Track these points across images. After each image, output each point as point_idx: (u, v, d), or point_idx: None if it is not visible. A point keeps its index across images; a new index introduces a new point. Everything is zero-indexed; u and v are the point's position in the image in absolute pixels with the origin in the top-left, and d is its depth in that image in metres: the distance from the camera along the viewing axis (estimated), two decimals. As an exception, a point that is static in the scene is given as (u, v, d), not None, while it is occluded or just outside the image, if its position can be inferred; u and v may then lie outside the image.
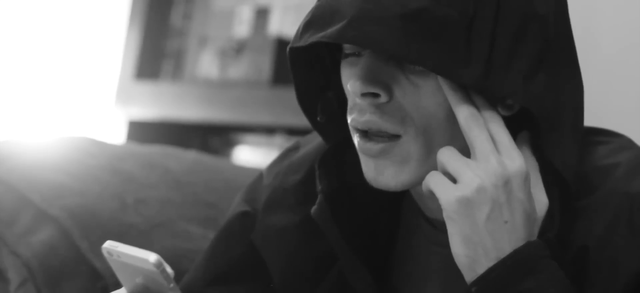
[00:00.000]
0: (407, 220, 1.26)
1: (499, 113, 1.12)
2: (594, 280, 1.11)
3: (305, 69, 1.22)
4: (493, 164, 1.08)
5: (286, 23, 2.71)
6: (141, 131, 2.89)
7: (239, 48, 2.74)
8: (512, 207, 1.08)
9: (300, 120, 1.27)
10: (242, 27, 2.81)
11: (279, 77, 2.62)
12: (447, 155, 1.10)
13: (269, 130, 2.74)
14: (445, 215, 1.08)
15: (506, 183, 1.08)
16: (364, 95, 1.12)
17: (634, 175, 1.13)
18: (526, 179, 1.09)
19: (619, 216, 1.11)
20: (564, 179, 1.12)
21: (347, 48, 1.16)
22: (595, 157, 1.16)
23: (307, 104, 1.23)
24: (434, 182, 1.09)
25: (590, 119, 1.23)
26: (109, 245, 1.11)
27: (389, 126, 1.12)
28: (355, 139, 1.16)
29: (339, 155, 1.24)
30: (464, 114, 1.10)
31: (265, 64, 2.66)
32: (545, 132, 1.12)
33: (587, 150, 1.17)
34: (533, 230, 1.10)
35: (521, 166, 1.09)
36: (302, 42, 1.12)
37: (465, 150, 1.10)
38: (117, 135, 2.89)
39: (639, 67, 2.06)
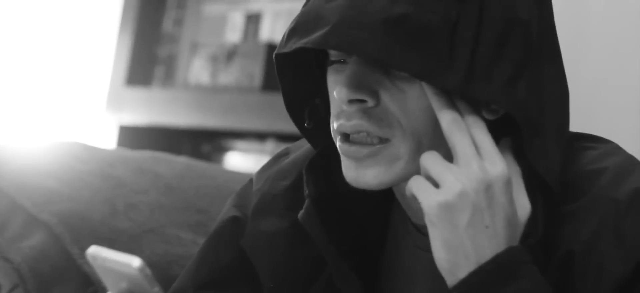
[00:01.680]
0: (395, 226, 1.27)
1: (483, 117, 1.12)
2: (579, 286, 1.11)
3: (293, 75, 1.22)
4: (474, 169, 1.08)
5: (277, 29, 2.71)
6: (132, 136, 2.89)
7: (230, 54, 2.74)
8: (494, 213, 1.08)
9: (291, 126, 1.27)
10: (233, 33, 2.82)
11: (270, 83, 2.63)
12: (430, 160, 1.10)
13: (259, 136, 2.74)
14: (426, 219, 1.09)
15: (487, 188, 1.08)
16: (350, 101, 1.13)
17: (620, 181, 1.13)
18: (508, 184, 1.09)
19: (605, 222, 1.12)
20: (548, 184, 1.13)
21: (333, 55, 1.17)
22: (582, 162, 1.17)
23: (295, 111, 1.24)
24: (417, 187, 1.09)
25: (580, 123, 1.23)
26: (93, 250, 1.11)
27: (377, 130, 1.13)
28: (338, 142, 1.16)
29: (326, 161, 1.24)
30: (447, 118, 1.10)
31: (256, 70, 2.66)
32: (528, 138, 1.12)
33: (574, 155, 1.17)
34: (515, 235, 1.10)
35: (503, 171, 1.09)
36: (287, 49, 1.13)
37: (449, 157, 1.11)
38: (108, 140, 2.89)
39: (629, 72, 2.07)
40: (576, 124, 1.20)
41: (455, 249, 1.08)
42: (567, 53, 1.21)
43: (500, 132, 1.14)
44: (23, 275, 1.57)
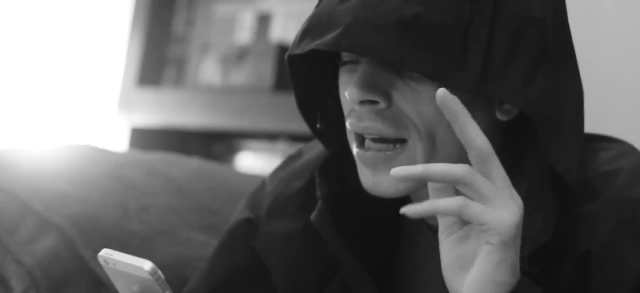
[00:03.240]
0: (409, 227, 1.26)
1: (496, 119, 1.11)
2: (598, 286, 1.11)
3: (305, 76, 1.22)
4: (515, 196, 1.03)
5: (288, 29, 2.71)
6: (144, 138, 2.89)
7: (241, 54, 2.74)
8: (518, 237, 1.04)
9: (302, 126, 1.27)
10: (244, 34, 2.81)
11: (281, 83, 2.62)
12: (478, 176, 1.02)
13: (271, 137, 2.73)
14: (501, 240, 1.01)
15: (521, 216, 1.03)
16: (362, 102, 1.12)
17: (637, 181, 1.13)
18: None
19: (622, 222, 1.11)
20: (565, 184, 1.12)
21: (345, 56, 1.16)
22: (597, 163, 1.16)
23: (307, 111, 1.23)
24: (479, 210, 1.01)
25: (592, 124, 1.22)
26: (105, 253, 1.11)
27: (391, 131, 1.12)
28: (354, 147, 1.15)
29: (339, 162, 1.24)
30: (484, 143, 1.02)
31: (267, 70, 2.65)
32: (545, 137, 1.11)
33: (588, 156, 1.17)
34: None
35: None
36: (299, 50, 1.13)
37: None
38: (119, 142, 2.89)
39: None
40: (589, 124, 1.20)
41: (515, 271, 1.03)
42: (579, 51, 1.20)
43: (515, 133, 1.13)
44: (35, 278, 1.57)
